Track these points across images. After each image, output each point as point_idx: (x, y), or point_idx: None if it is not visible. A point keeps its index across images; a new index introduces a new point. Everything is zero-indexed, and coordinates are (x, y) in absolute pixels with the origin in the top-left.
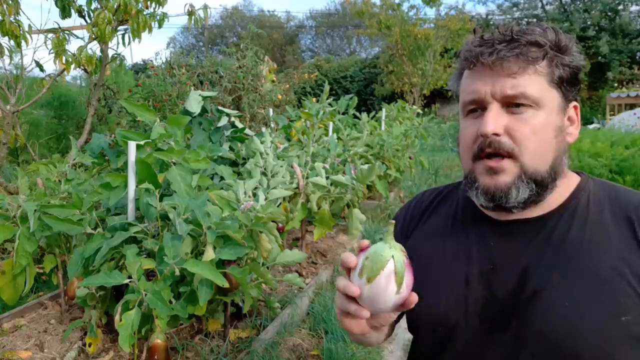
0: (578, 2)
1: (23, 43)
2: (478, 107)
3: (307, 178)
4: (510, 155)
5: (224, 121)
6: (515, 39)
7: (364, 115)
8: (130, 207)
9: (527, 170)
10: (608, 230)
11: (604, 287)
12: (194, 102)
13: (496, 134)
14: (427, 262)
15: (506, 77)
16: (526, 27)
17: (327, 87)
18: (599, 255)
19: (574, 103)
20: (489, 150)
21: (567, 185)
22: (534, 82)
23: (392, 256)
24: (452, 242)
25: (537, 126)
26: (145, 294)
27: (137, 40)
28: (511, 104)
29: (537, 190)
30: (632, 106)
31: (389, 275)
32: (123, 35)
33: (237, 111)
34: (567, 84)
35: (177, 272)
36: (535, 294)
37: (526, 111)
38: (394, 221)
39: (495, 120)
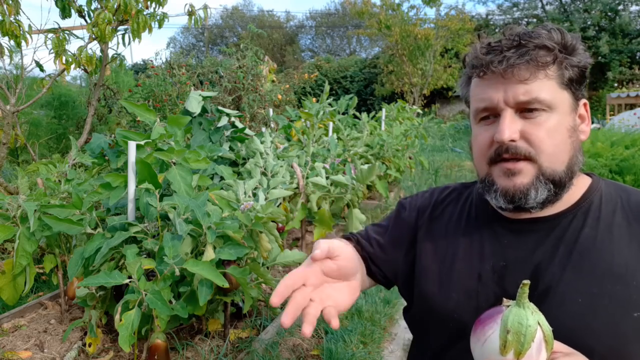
0: (578, 2)
1: (23, 43)
2: (491, 114)
3: (307, 178)
4: (527, 158)
5: (224, 121)
6: (522, 44)
7: (364, 115)
8: (130, 207)
9: (544, 172)
10: (620, 230)
11: (615, 284)
12: (194, 102)
13: (512, 140)
14: (440, 257)
15: (518, 84)
16: (532, 30)
17: (327, 87)
18: (611, 253)
19: (584, 100)
20: (506, 156)
21: (578, 185)
22: (545, 86)
23: (538, 322)
24: (465, 239)
25: (551, 129)
26: (145, 294)
27: (137, 40)
28: (524, 109)
29: (555, 190)
30: (632, 106)
31: (539, 345)
32: (123, 35)
33: (237, 111)
34: (576, 84)
35: (177, 272)
36: (548, 290)
37: (540, 115)
38: (528, 282)
39: (510, 127)
